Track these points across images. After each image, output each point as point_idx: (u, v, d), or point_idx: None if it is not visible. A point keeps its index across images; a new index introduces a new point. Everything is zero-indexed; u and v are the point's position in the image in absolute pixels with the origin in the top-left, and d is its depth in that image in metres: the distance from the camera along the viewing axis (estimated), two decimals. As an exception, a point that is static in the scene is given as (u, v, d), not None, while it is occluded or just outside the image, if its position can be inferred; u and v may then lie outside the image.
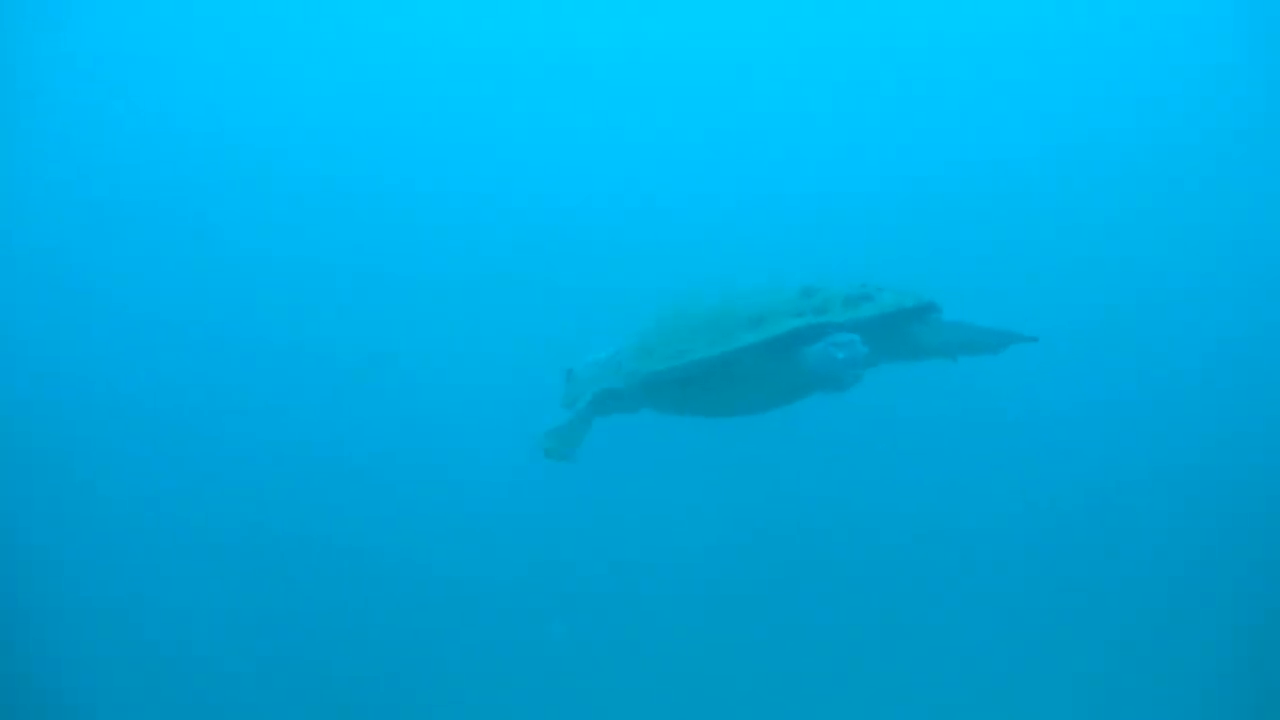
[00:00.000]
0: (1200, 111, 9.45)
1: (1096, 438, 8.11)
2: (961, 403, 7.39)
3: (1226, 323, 8.67)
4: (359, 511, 8.40)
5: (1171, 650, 7.11)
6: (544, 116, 10.69)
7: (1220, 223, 8.90)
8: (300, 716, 7.37)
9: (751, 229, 9.18)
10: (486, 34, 10.99)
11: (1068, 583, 7.62)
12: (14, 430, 8.46)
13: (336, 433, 8.85)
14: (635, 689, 7.28)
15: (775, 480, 7.50)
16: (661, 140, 10.39)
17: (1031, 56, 10.10)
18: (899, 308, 4.26)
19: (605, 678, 7.37)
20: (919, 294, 4.30)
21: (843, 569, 7.59)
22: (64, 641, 7.59)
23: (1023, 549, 7.75)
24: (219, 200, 10.15)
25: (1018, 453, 7.94)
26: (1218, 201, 9.02)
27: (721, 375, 4.38)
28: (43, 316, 9.23)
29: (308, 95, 10.75)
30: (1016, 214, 9.10)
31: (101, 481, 8.46)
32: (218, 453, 8.69)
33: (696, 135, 10.35)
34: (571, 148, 10.48)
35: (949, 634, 7.37)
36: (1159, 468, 7.96)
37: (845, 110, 10.28)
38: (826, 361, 4.16)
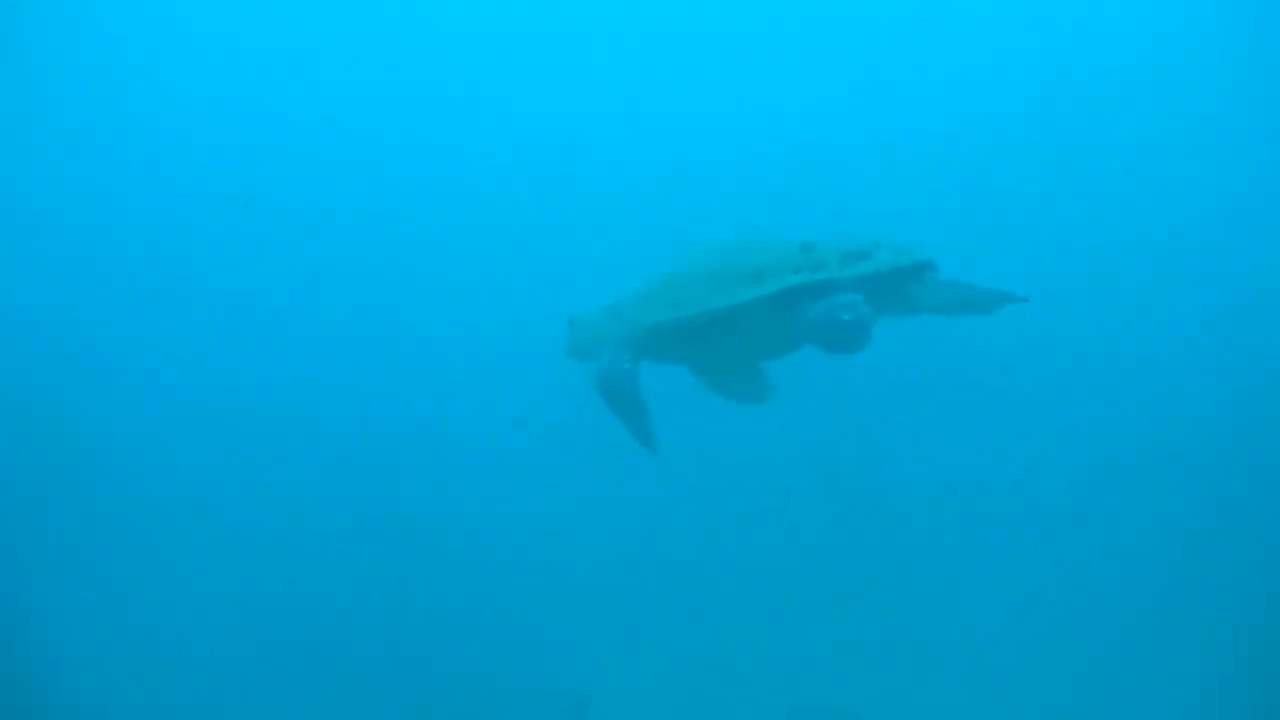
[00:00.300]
0: (1204, 75, 9.57)
1: (1100, 409, 8.29)
2: (969, 379, 7.54)
3: (1235, 292, 8.82)
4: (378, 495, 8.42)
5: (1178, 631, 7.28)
6: (546, 75, 10.57)
7: (1222, 192, 9.05)
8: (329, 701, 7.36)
9: (754, 180, 9.16)
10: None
11: (1073, 564, 7.77)
12: (14, 428, 8.41)
13: (350, 414, 8.83)
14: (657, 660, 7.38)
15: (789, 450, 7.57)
16: (663, 89, 10.32)
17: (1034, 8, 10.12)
18: (896, 265, 4.29)
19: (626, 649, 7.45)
20: (916, 251, 4.32)
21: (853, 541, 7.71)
22: (65, 638, 7.58)
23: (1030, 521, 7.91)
24: (217, 159, 10.00)
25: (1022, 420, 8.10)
26: (1220, 171, 9.17)
27: (720, 328, 4.39)
28: (47, 308, 9.12)
29: (314, 61, 10.59)
30: (1018, 176, 9.18)
31: (117, 472, 8.43)
32: (228, 437, 8.66)
33: (699, 87, 10.28)
34: (571, 98, 10.38)
35: (961, 612, 7.52)
36: (1161, 443, 8.16)
37: (850, 60, 10.25)
38: (831, 323, 4.18)
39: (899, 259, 4.29)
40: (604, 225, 8.79)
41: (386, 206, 9.88)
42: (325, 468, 8.47)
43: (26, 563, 7.79)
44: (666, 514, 7.85)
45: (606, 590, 7.88)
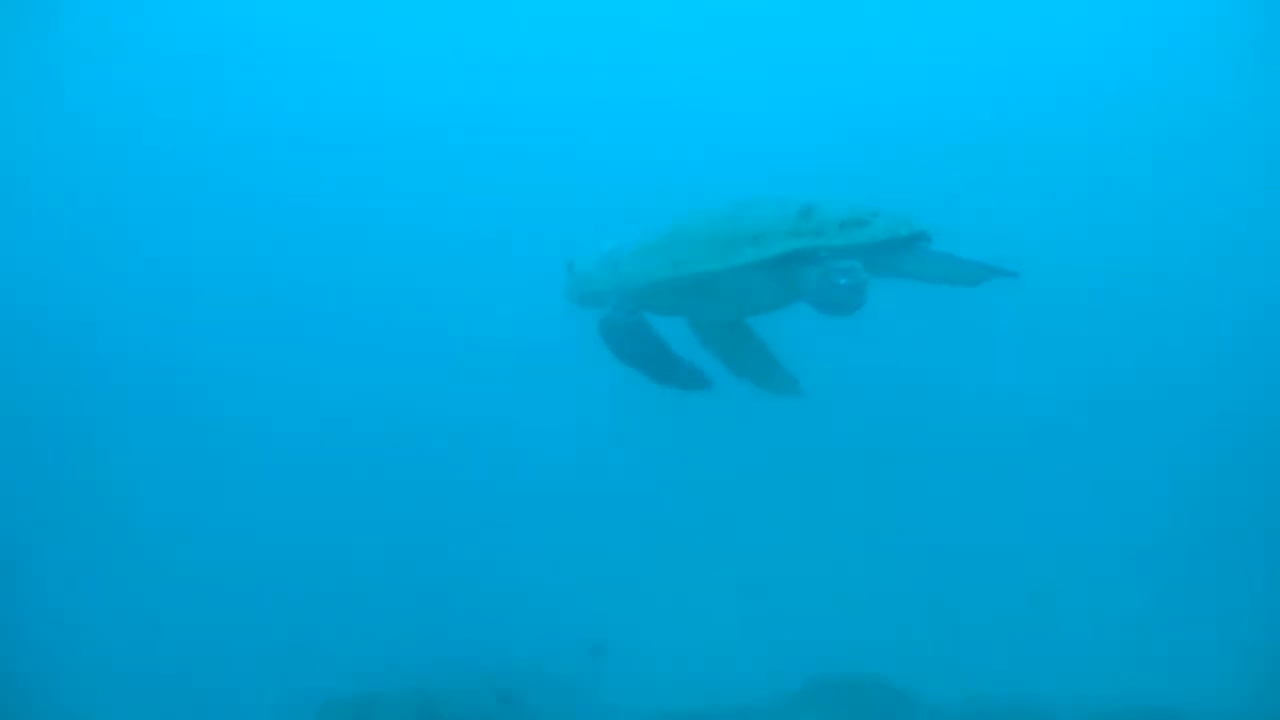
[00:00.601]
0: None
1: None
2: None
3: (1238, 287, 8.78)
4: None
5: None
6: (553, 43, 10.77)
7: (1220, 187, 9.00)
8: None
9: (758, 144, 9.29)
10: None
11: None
12: (14, 429, 8.68)
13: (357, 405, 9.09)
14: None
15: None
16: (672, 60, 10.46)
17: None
18: (893, 235, 4.41)
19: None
20: (913, 221, 4.45)
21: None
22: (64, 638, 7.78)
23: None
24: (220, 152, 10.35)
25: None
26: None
27: (716, 286, 4.57)
28: (45, 310, 9.50)
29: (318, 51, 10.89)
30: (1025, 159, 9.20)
31: (118, 471, 8.78)
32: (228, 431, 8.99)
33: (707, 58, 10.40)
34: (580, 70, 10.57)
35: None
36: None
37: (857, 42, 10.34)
38: (829, 287, 4.34)
39: (896, 228, 4.40)
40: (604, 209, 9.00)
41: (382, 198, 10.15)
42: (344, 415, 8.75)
43: (26, 563, 8.05)
44: (692, 470, 8.03)
45: (630, 543, 8.08)
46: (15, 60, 9.57)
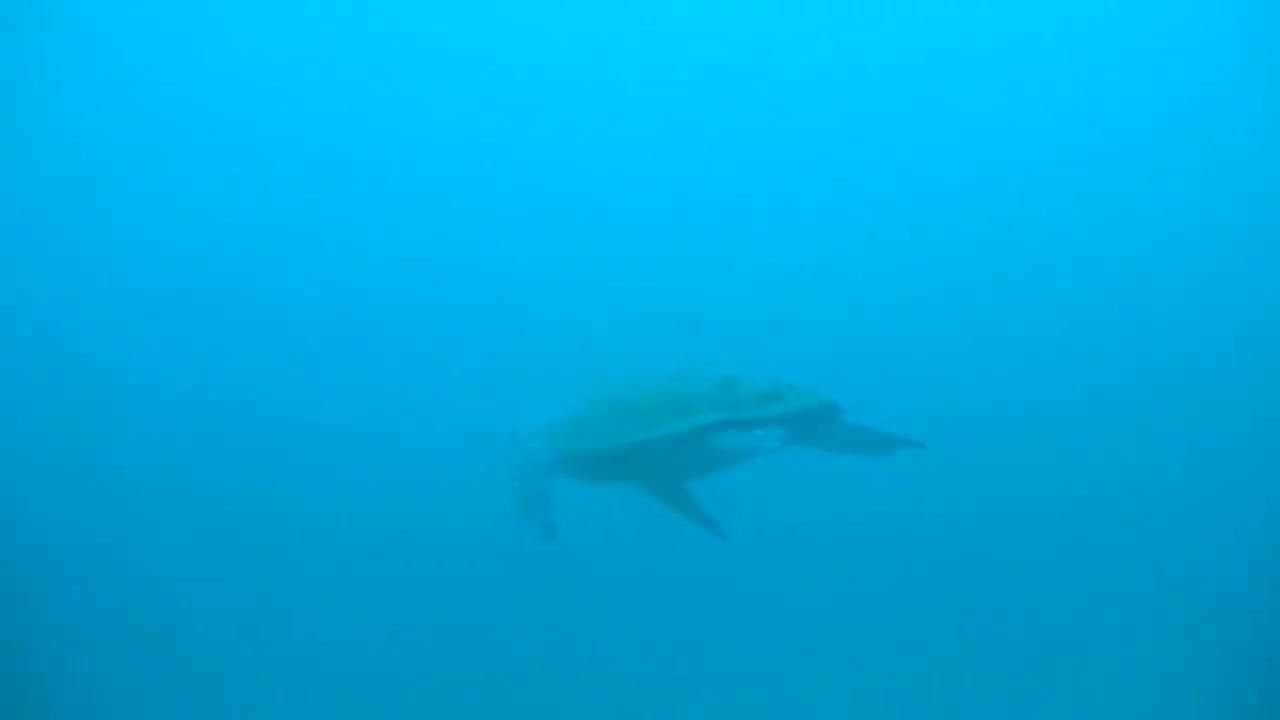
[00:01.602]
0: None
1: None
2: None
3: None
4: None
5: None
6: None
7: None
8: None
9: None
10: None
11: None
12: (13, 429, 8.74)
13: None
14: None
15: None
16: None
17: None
18: (805, 408, 4.82)
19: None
20: (822, 396, 4.86)
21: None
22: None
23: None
24: (217, 198, 10.50)
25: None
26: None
27: (644, 455, 4.92)
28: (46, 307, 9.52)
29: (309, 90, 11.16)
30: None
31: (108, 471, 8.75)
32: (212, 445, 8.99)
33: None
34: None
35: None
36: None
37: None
38: (748, 453, 4.74)
39: (808, 402, 4.83)
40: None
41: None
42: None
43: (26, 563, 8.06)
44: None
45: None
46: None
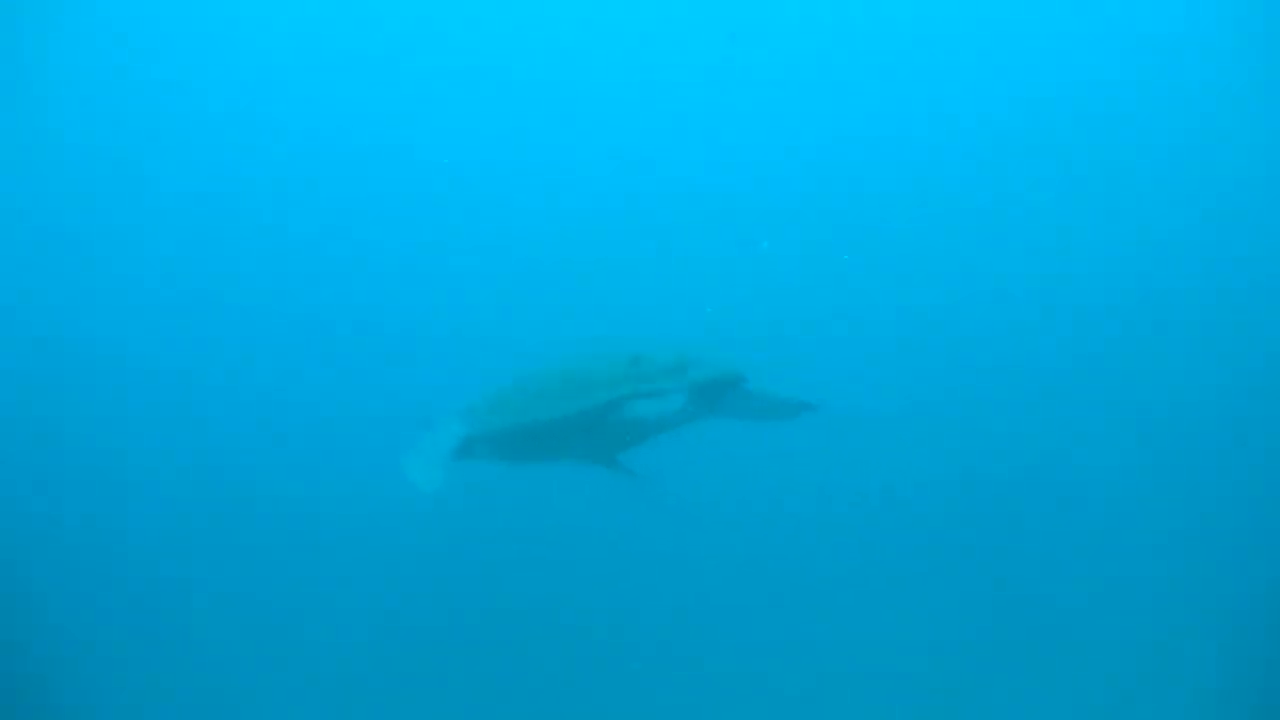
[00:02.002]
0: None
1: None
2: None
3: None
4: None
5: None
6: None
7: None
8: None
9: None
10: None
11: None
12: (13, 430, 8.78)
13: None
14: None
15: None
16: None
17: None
18: (711, 378, 5.08)
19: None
20: (729, 366, 5.12)
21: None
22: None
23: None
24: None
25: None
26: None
27: (561, 431, 5.14)
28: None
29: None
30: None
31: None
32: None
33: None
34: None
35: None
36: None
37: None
38: (654, 422, 5.00)
39: (713, 373, 5.10)
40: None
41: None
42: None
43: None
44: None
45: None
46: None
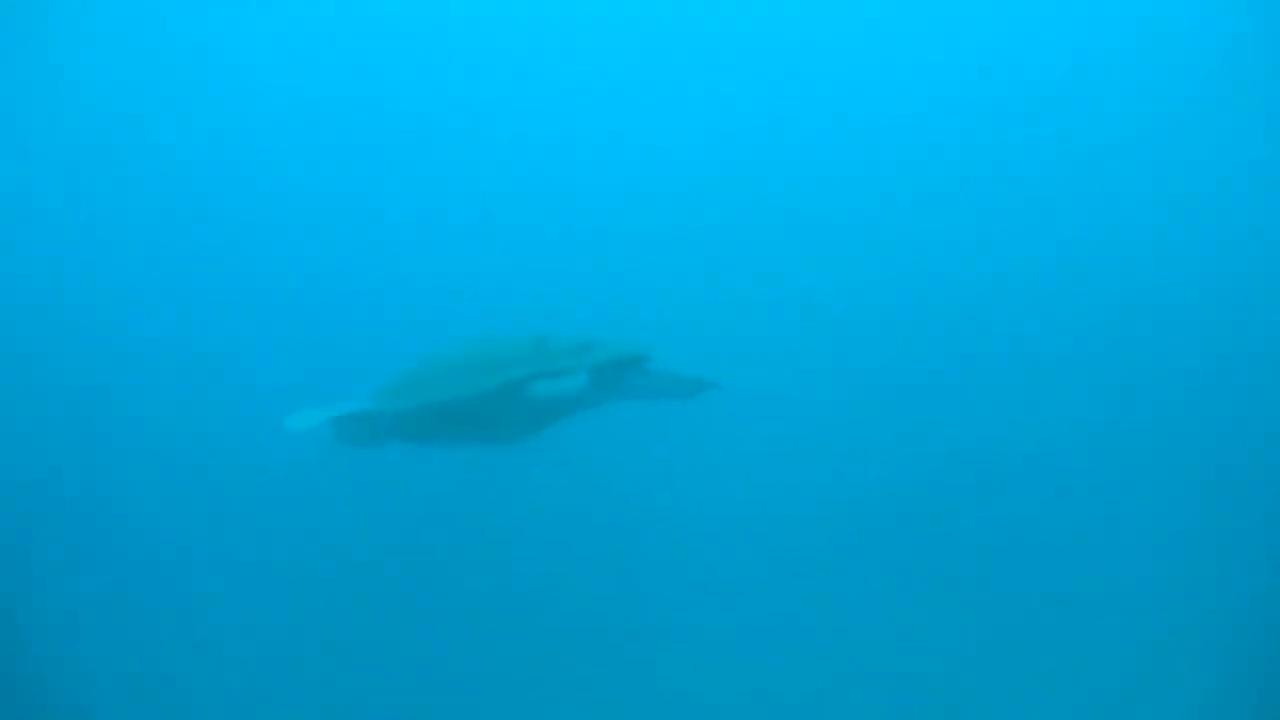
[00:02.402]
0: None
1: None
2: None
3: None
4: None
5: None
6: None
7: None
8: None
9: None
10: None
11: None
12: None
13: None
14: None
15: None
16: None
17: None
18: (615, 357, 5.14)
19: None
20: (632, 346, 5.19)
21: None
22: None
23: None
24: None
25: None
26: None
27: (464, 411, 5.15)
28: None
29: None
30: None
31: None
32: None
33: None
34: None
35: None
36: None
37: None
38: (556, 400, 5.04)
39: (617, 351, 5.16)
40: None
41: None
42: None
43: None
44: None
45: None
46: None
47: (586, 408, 5.22)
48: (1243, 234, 9.78)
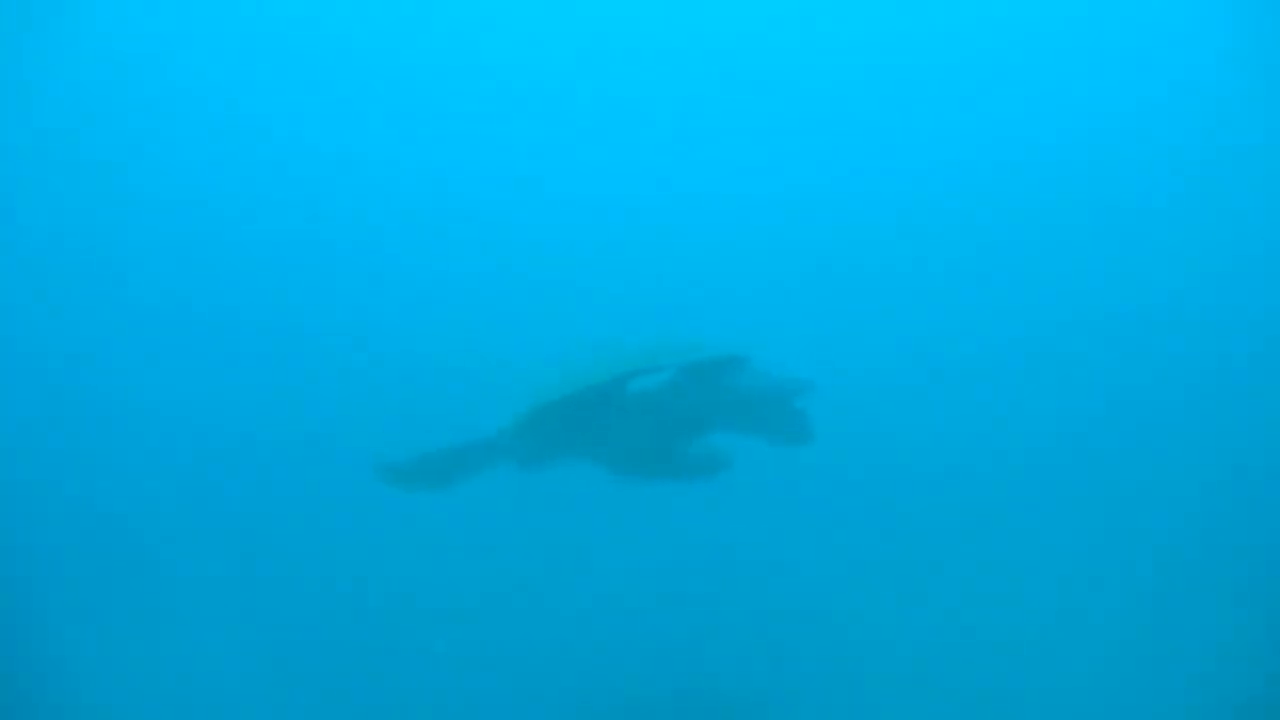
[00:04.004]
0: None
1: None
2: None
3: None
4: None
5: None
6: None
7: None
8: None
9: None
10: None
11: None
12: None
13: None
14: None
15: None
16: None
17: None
18: (713, 358, 5.56)
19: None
20: (726, 350, 5.60)
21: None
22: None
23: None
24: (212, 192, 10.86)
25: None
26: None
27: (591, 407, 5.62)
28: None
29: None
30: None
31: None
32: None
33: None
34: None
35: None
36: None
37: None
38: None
39: (715, 355, 5.59)
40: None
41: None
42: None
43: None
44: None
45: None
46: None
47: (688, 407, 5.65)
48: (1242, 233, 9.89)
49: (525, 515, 7.96)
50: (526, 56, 12.08)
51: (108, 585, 8.24)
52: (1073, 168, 10.97)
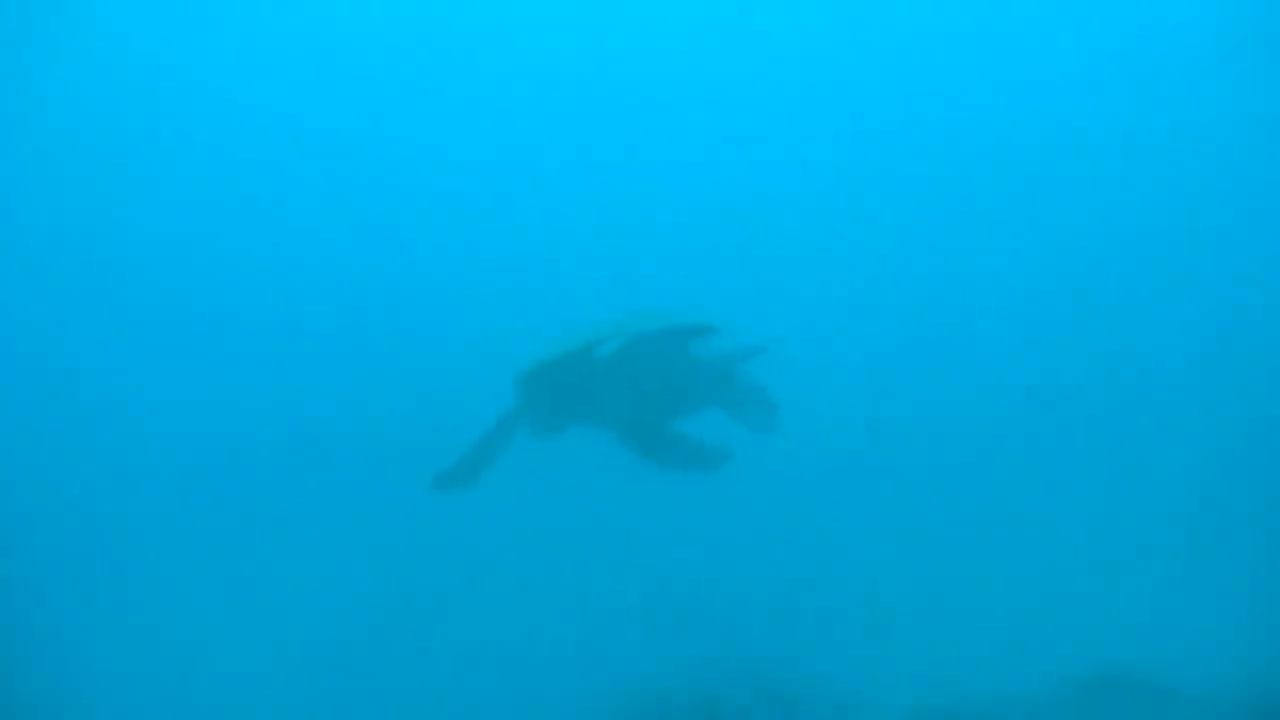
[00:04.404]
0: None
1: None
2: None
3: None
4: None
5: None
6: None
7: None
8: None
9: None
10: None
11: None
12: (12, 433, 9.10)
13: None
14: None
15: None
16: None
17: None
18: (681, 325, 6.01)
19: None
20: (694, 319, 6.02)
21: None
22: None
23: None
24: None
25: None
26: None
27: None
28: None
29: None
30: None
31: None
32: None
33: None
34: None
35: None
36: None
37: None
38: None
39: (681, 322, 6.01)
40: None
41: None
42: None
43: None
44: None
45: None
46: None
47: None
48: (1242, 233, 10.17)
49: (525, 511, 8.26)
50: (526, 57, 12.36)
51: (108, 585, 8.37)
52: (1072, 164, 11.24)
